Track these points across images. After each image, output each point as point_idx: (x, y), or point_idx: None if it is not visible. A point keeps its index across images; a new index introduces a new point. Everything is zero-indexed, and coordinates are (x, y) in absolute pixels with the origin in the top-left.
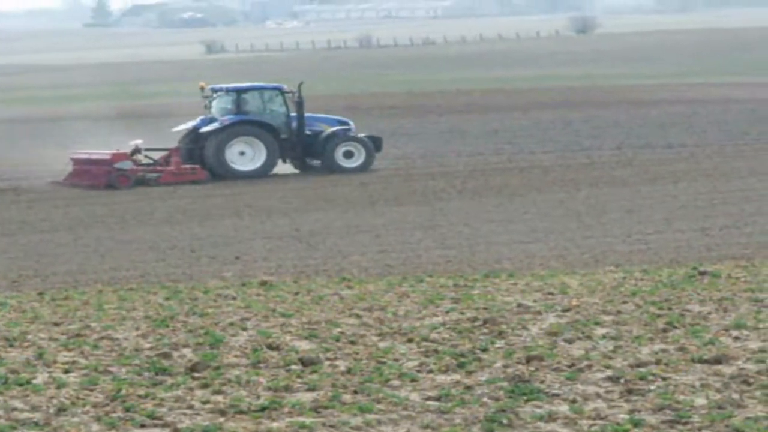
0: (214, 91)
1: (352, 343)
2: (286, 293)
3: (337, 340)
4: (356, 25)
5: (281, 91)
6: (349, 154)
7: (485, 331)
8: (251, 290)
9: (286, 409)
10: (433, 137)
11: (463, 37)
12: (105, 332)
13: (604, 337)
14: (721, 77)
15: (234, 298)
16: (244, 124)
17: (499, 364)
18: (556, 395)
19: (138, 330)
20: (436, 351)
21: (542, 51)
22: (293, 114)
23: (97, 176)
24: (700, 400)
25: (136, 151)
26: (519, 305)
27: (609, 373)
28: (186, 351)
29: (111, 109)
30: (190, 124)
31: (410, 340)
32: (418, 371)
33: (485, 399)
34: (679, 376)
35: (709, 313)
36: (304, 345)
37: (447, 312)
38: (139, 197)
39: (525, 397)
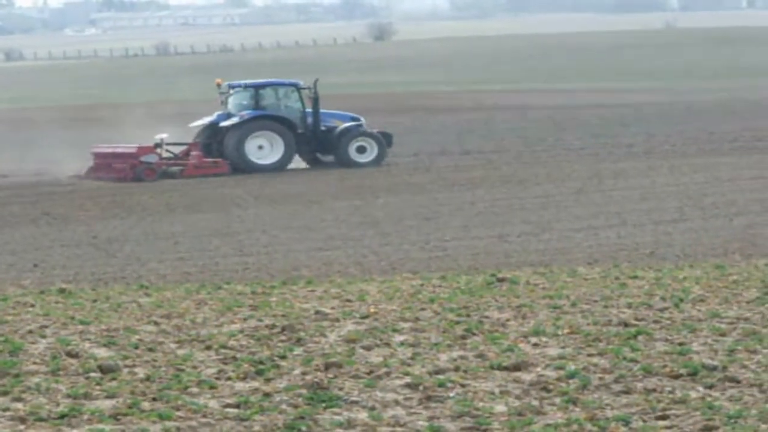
0: (231, 87)
1: (151, 350)
2: (85, 300)
3: (136, 348)
4: (154, 33)
5: (297, 88)
6: (362, 149)
7: (283, 338)
8: (50, 297)
9: (85, 417)
10: None
11: (260, 44)
12: None
13: (402, 344)
14: (518, 84)
15: (32, 306)
16: (262, 119)
17: (297, 372)
18: (355, 402)
19: None
20: (234, 358)
21: (339, 58)
22: (308, 110)
23: (121, 169)
24: (499, 407)
25: (158, 144)
26: (317, 312)
27: (408, 380)
28: None
29: None
30: (207, 120)
31: (208, 348)
32: (217, 378)
33: (284, 406)
34: (478, 383)
35: (508, 319)
36: (102, 352)
37: (245, 319)
38: None
39: (324, 405)
